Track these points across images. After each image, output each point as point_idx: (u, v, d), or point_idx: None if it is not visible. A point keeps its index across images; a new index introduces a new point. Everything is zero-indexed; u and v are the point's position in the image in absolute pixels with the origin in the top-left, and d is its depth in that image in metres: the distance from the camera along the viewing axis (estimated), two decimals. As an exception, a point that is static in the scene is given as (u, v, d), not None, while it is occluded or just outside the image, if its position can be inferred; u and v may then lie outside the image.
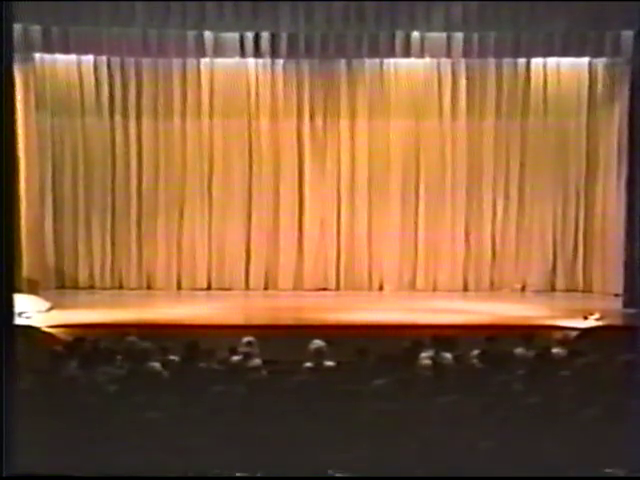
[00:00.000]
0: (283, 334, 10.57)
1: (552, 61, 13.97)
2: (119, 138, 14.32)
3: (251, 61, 13.96)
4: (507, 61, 14.01)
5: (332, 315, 12.11)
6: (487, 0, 12.63)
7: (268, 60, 13.86)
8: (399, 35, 13.01)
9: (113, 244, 14.48)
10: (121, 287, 14.47)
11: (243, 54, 13.27)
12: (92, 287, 14.40)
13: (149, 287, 14.47)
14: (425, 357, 8.22)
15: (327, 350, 8.52)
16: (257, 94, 14.27)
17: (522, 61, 14.04)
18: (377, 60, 13.96)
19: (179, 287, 14.50)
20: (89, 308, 12.51)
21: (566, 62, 13.94)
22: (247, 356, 8.41)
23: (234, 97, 14.25)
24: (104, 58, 13.93)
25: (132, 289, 14.38)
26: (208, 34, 13.03)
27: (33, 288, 12.83)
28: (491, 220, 14.50)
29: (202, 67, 14.14)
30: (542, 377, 7.36)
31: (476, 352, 8.31)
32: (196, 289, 14.43)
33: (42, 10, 12.39)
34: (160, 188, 14.42)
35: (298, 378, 7.28)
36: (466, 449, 5.76)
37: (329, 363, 8.25)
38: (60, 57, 13.70)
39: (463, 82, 14.25)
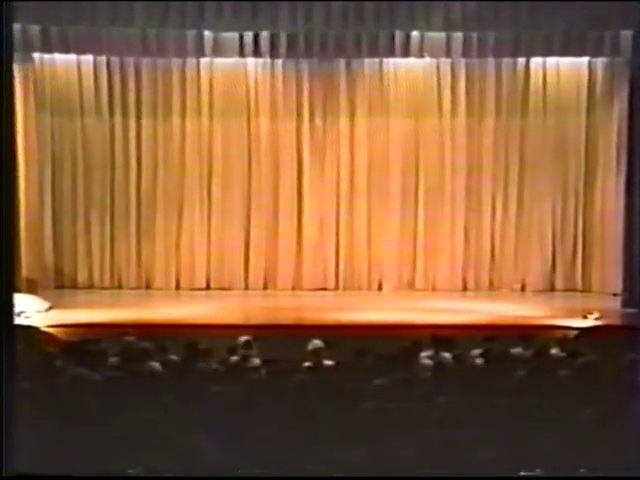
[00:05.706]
0: (282, 334, 10.55)
1: (551, 61, 13.98)
2: (118, 138, 14.33)
3: (250, 61, 13.96)
4: (506, 61, 14.02)
5: (331, 315, 12.11)
6: (487, 0, 12.65)
7: (267, 60, 13.86)
8: (398, 35, 13.03)
9: (112, 244, 14.48)
10: (120, 287, 14.47)
11: (242, 54, 13.28)
12: (91, 287, 14.41)
13: (148, 287, 14.47)
14: (425, 357, 8.22)
15: (326, 350, 8.52)
16: (256, 94, 14.28)
17: (521, 61, 14.04)
18: (376, 60, 13.96)
19: (178, 287, 14.50)
20: (88, 308, 12.52)
21: (565, 62, 13.94)
22: (246, 356, 8.41)
23: (233, 97, 14.25)
24: (103, 58, 13.94)
25: (131, 289, 14.40)
26: (207, 34, 13.04)
27: (32, 288, 12.82)
28: (490, 219, 14.51)
29: (201, 67, 14.14)
30: (541, 377, 7.36)
31: (476, 352, 8.31)
32: (195, 289, 14.43)
33: (41, 10, 12.39)
34: (159, 188, 14.43)
35: (297, 378, 7.26)
36: (466, 449, 5.76)
37: (328, 363, 8.25)
38: (59, 57, 13.70)
39: (462, 82, 14.25)
